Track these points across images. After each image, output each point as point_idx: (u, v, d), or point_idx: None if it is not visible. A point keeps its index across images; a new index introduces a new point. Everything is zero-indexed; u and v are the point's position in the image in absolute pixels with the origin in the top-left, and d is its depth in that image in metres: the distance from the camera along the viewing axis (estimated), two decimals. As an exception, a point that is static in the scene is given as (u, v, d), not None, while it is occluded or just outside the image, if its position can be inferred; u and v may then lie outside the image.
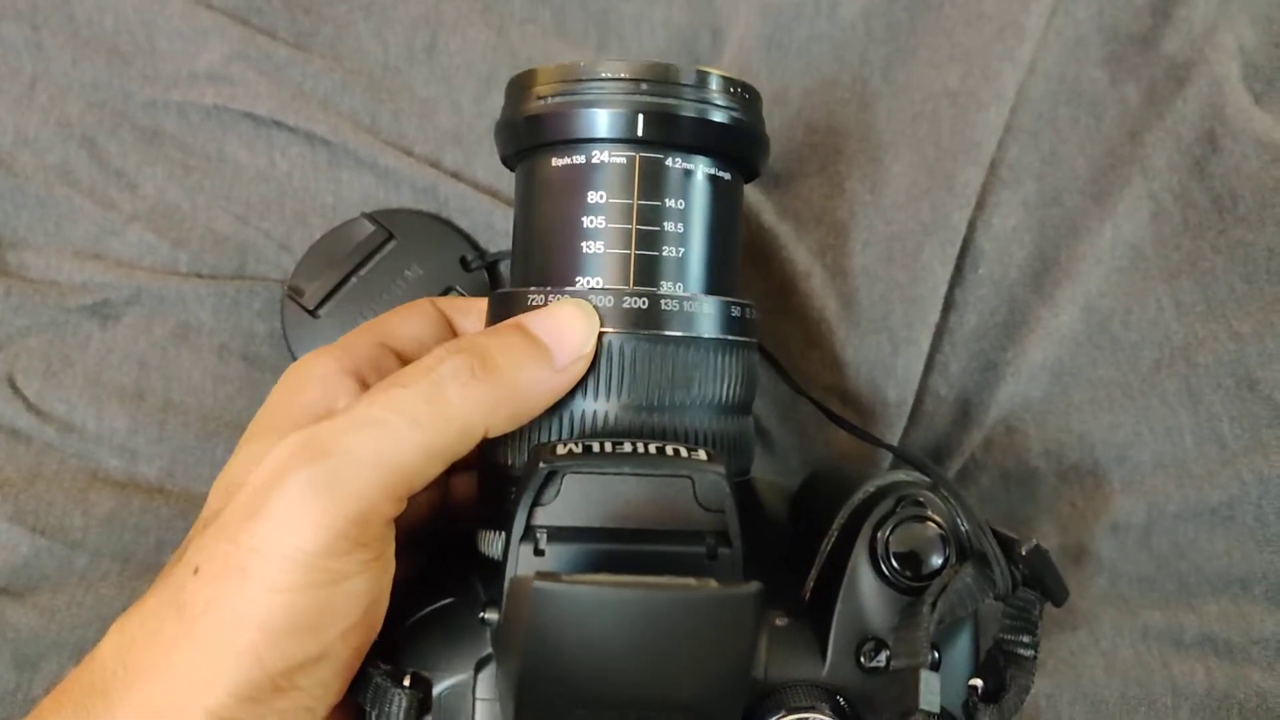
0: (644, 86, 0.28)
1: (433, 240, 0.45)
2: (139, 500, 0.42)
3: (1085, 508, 0.42)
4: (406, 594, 0.28)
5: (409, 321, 0.34)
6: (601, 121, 0.29)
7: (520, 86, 0.31)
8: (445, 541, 0.33)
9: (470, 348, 0.27)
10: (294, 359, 0.43)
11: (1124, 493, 0.42)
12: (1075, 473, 0.42)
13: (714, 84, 0.29)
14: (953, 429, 0.43)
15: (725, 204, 0.31)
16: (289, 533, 0.24)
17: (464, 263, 0.44)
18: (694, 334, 0.29)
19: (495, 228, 0.45)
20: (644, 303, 0.28)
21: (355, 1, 0.48)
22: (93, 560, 0.41)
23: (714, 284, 0.30)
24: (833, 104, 0.47)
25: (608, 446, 0.26)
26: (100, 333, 0.44)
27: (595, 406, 0.28)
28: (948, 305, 0.43)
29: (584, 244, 0.29)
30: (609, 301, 0.28)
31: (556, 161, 0.30)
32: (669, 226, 0.29)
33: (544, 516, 0.26)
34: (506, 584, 0.25)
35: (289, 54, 0.46)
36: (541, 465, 0.26)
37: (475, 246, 0.45)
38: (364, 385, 0.31)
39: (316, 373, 0.31)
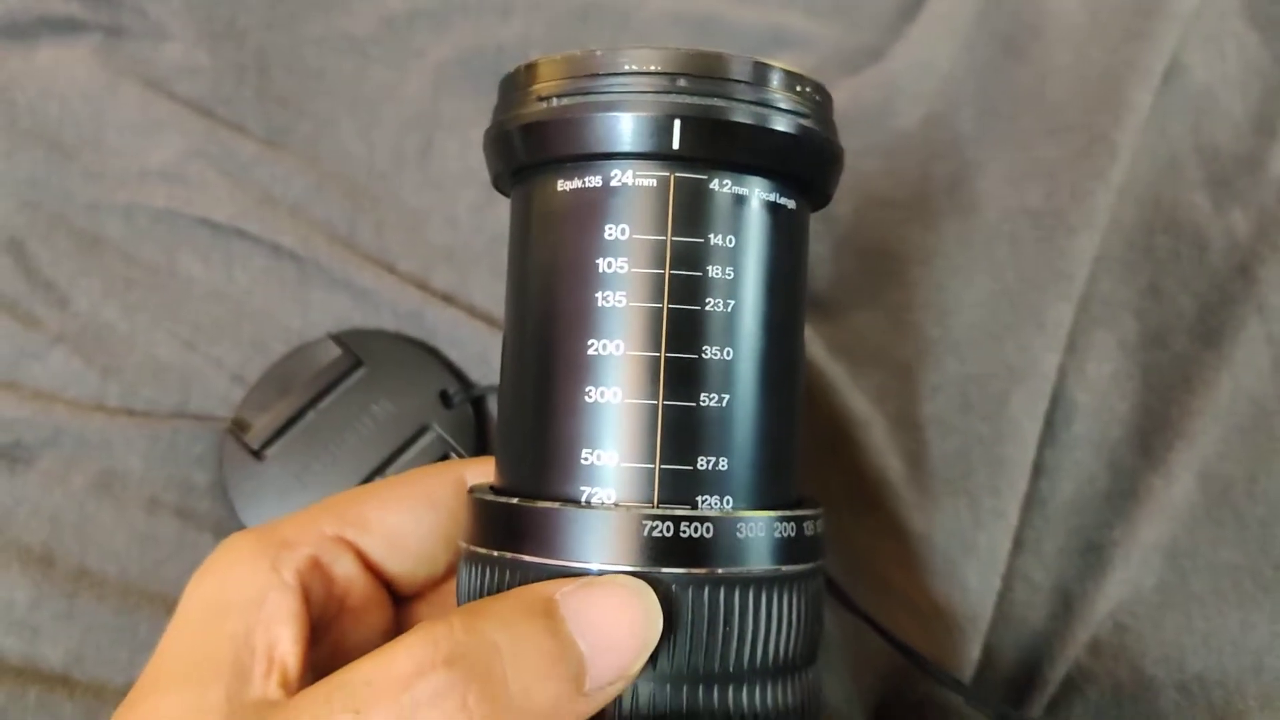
0: (680, 83, 0.22)
1: (408, 370, 0.37)
2: (36, 691, 0.33)
3: None
4: None
5: (400, 503, 0.25)
6: (624, 129, 0.22)
7: (515, 84, 0.24)
8: None
9: (467, 659, 0.19)
10: (234, 511, 0.35)
11: (1264, 712, 0.33)
12: (1200, 684, 0.34)
13: (775, 81, 0.23)
14: (1052, 626, 0.35)
15: (788, 241, 0.24)
16: None
17: (444, 398, 0.37)
18: (745, 568, 0.21)
19: (490, 362, 0.38)
20: (669, 527, 0.20)
21: (340, 95, 0.42)
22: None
23: (777, 367, 0.23)
24: (888, 224, 0.40)
25: None
26: (7, 480, 0.36)
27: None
28: (1037, 469, 0.36)
29: (599, 295, 0.22)
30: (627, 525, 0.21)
31: (563, 185, 0.23)
32: (714, 272, 0.22)
33: None
34: None
35: (257, 151, 0.40)
36: None
37: (460, 378, 0.38)
38: (309, 610, 0.23)
39: (242, 586, 0.22)
